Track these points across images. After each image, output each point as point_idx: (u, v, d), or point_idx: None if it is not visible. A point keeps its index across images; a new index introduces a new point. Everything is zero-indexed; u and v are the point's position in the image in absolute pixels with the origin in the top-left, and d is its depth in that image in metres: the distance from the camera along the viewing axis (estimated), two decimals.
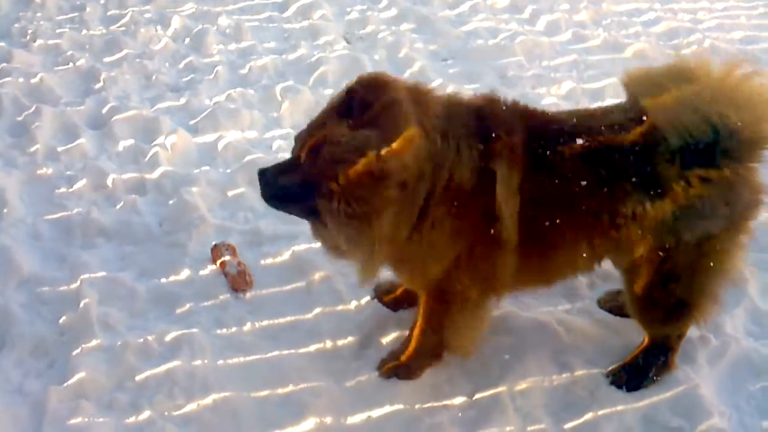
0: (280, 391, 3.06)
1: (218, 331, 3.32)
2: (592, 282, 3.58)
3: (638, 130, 2.73)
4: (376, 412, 2.98)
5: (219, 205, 4.08)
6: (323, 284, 3.55)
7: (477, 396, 3.06)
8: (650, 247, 2.79)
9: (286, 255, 3.70)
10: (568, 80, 5.40)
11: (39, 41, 5.71)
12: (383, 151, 2.52)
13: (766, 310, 3.47)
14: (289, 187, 2.72)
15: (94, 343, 3.19)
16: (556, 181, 2.73)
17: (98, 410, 2.94)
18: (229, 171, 4.32)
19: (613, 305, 3.42)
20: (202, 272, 3.63)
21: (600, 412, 2.99)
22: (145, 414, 2.93)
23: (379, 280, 3.44)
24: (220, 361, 3.18)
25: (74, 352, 3.14)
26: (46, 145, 4.49)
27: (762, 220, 3.94)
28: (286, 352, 3.23)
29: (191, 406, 2.98)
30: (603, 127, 2.77)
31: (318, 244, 3.61)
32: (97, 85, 5.17)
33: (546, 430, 2.94)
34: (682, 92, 2.68)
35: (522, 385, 3.09)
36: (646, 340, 3.14)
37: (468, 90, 5.08)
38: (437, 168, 2.65)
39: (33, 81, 5.12)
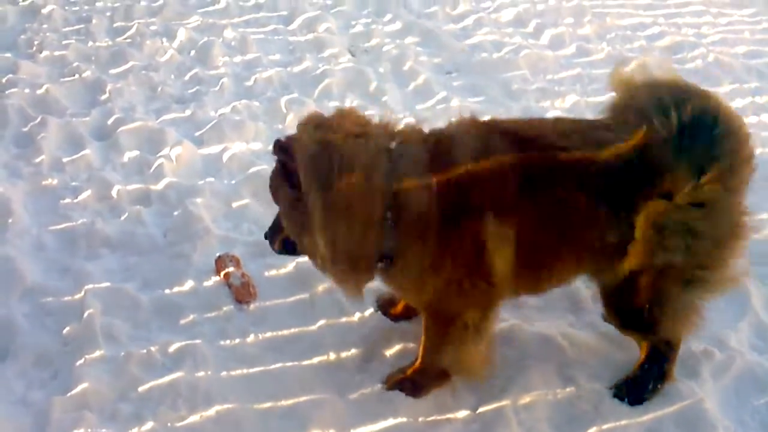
0: (283, 403, 3.05)
1: (222, 343, 3.32)
2: (596, 296, 3.56)
3: (625, 145, 2.70)
4: (380, 425, 2.97)
5: (223, 216, 4.08)
6: (327, 296, 3.54)
7: (480, 409, 3.04)
8: (636, 264, 2.76)
9: (290, 267, 3.70)
10: (572, 93, 5.41)
11: (45, 52, 5.73)
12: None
13: None
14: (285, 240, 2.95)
15: (97, 353, 3.19)
16: (547, 203, 2.72)
17: (101, 421, 2.92)
18: (233, 182, 4.32)
19: None
20: (206, 283, 3.62)
21: (604, 427, 2.98)
22: (148, 425, 2.92)
23: (383, 293, 3.46)
24: (224, 373, 3.17)
25: (77, 363, 3.14)
26: (52, 156, 4.50)
27: (765, 232, 3.97)
28: (289, 364, 3.22)
29: (194, 418, 2.97)
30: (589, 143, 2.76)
31: None
32: (103, 97, 5.18)
33: None
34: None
35: (526, 399, 3.07)
36: (642, 352, 3.13)
37: (472, 103, 5.11)
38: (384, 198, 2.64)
39: (39, 92, 5.14)
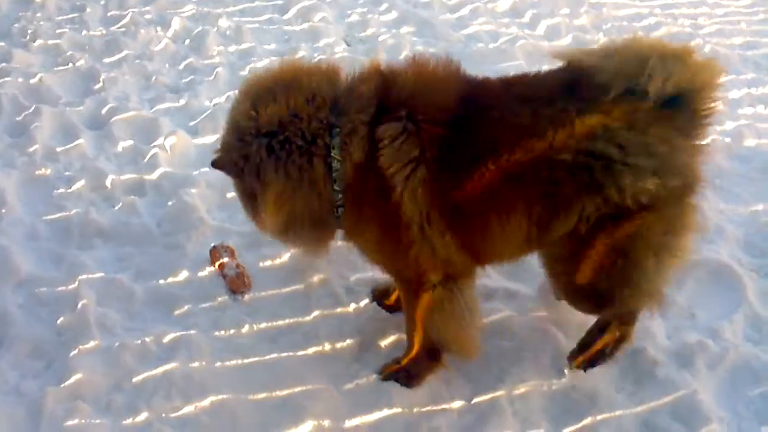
0: (277, 393, 3.05)
1: (216, 333, 3.31)
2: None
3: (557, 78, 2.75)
4: (374, 416, 2.97)
5: (218, 206, 4.07)
6: (322, 287, 3.54)
7: (475, 400, 3.05)
8: (587, 214, 2.66)
9: (285, 257, 3.69)
10: None
11: (39, 41, 5.70)
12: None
13: (766, 316, 3.46)
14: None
15: (91, 344, 3.18)
16: (482, 147, 2.66)
17: (95, 411, 2.92)
18: None
19: None
20: (200, 274, 3.62)
21: (599, 417, 2.99)
22: (143, 416, 2.92)
23: (378, 284, 3.46)
24: (218, 363, 3.17)
25: (72, 353, 3.13)
26: (45, 146, 4.48)
27: (760, 224, 3.98)
28: (284, 354, 3.22)
29: (188, 408, 2.97)
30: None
31: None
32: (97, 86, 5.16)
33: None
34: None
35: (521, 389, 3.08)
36: (598, 321, 3.14)
37: None
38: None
39: (32, 81, 5.12)
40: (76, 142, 4.51)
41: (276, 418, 2.95)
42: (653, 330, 3.32)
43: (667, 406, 3.02)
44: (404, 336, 3.19)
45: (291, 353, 3.23)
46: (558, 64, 2.87)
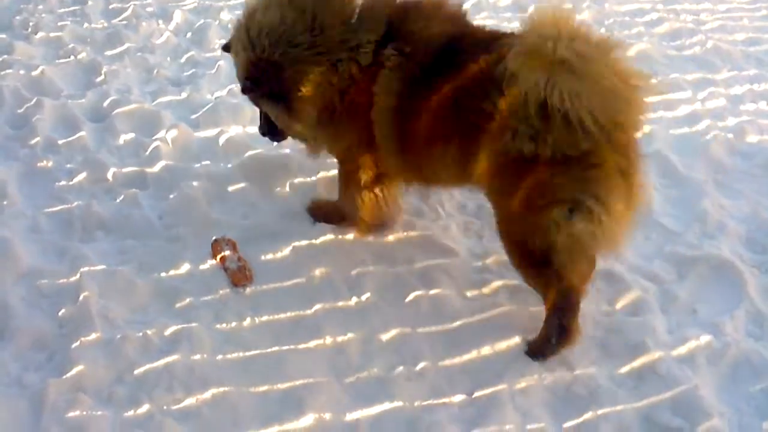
0: (279, 386, 3.06)
1: (218, 326, 3.31)
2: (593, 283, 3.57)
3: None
4: (376, 409, 2.98)
5: (220, 199, 4.07)
6: (324, 280, 3.55)
7: (476, 394, 3.05)
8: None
9: (286, 250, 3.70)
10: None
11: (40, 34, 5.70)
12: None
13: (767, 312, 3.47)
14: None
15: (93, 336, 3.18)
16: (429, 83, 3.21)
17: (97, 403, 2.92)
18: (229, 166, 4.30)
19: None
20: (202, 267, 3.62)
21: (600, 412, 2.99)
22: (144, 408, 2.92)
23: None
24: (220, 356, 3.17)
25: (73, 346, 3.13)
26: (47, 138, 4.47)
27: (762, 220, 3.98)
28: (285, 347, 3.22)
29: (190, 401, 2.97)
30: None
31: (318, 240, 3.75)
32: (98, 79, 5.16)
33: (545, 429, 2.93)
34: None
35: (522, 384, 3.08)
36: (546, 304, 3.15)
37: None
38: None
39: (34, 73, 5.12)
40: (77, 135, 4.51)
41: (277, 410, 2.96)
42: (654, 325, 3.32)
43: (668, 401, 3.02)
44: (407, 330, 3.20)
45: (292, 346, 3.23)
46: None
